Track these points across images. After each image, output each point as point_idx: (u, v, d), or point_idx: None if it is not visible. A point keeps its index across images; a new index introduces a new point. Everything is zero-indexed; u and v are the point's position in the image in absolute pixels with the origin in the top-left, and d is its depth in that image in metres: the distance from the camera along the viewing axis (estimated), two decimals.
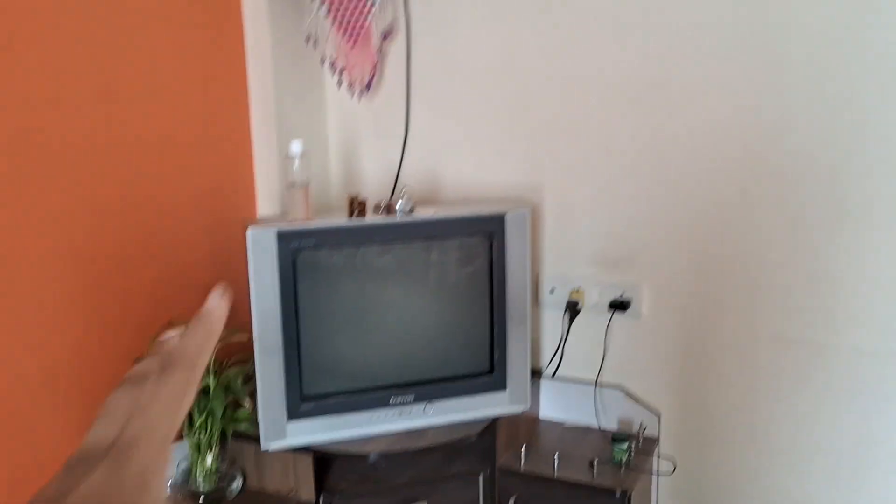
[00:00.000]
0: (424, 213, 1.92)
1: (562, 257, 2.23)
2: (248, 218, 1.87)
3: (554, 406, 2.28)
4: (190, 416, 1.84)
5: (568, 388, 2.25)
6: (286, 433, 1.85)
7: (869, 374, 1.93)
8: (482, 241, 1.94)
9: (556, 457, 2.02)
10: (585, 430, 2.21)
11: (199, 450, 1.86)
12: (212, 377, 1.84)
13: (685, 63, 1.98)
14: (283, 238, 1.78)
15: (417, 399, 1.94)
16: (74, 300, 1.73)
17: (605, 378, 2.21)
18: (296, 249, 1.79)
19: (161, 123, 1.92)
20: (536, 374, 2.27)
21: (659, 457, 2.16)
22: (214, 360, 1.85)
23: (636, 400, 2.18)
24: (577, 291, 2.21)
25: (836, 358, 1.96)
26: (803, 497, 2.06)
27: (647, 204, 2.09)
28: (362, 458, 1.88)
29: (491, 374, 1.99)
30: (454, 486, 2.02)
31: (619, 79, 2.05)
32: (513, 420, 2.08)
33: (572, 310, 2.21)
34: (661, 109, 2.03)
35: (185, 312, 1.95)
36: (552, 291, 2.24)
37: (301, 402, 1.85)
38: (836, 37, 1.83)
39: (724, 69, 1.94)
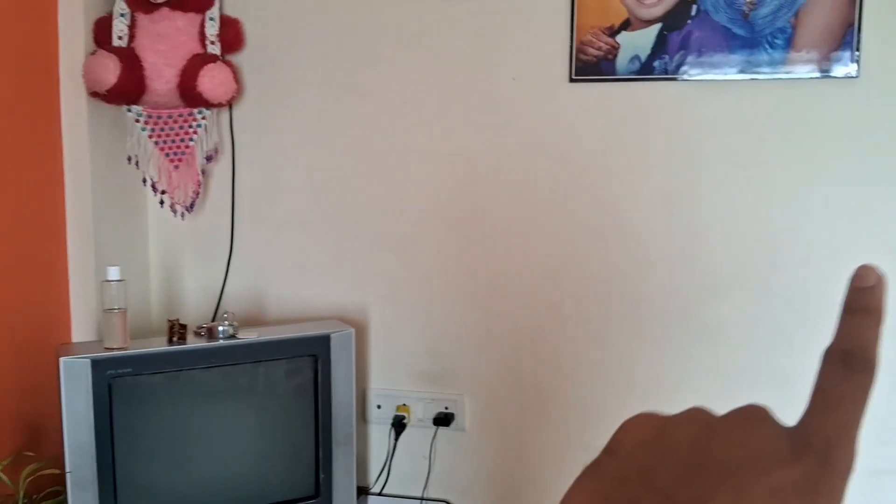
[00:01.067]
0: (247, 336, 1.93)
1: (388, 373, 2.29)
2: (63, 344, 1.81)
3: None
4: None
5: (394, 503, 2.28)
6: None
7: None
8: (307, 362, 1.97)
9: None
10: None
11: None
12: None
13: (494, 190, 2.15)
14: (98, 366, 1.73)
15: None
16: None
17: (431, 493, 2.26)
18: (112, 377, 1.75)
19: None
20: (364, 491, 2.28)
21: None
22: (24, 496, 1.74)
23: None
24: (403, 406, 2.27)
25: None
26: None
27: (467, 320, 2.21)
28: None
29: (317, 498, 1.99)
30: None
31: (438, 202, 2.19)
32: None
33: (398, 425, 2.26)
34: (478, 232, 2.18)
35: None
36: (379, 407, 2.29)
37: None
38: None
39: (524, 202, 2.13)
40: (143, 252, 2.34)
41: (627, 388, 2.12)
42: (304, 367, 1.97)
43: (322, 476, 1.99)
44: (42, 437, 2.02)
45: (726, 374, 2.06)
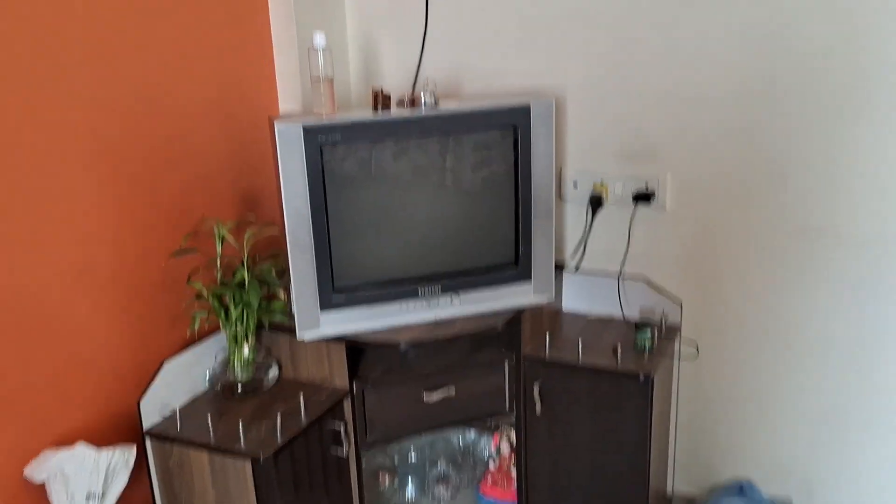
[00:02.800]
0: (449, 106, 1.92)
1: (585, 151, 2.23)
2: (272, 115, 1.87)
3: (577, 299, 2.32)
4: (226, 309, 1.89)
5: (590, 280, 2.29)
6: (319, 323, 1.91)
7: (887, 266, 1.96)
8: (507, 133, 1.94)
9: (579, 344, 2.08)
10: (608, 321, 2.27)
11: (236, 341, 1.92)
12: (246, 271, 1.89)
13: None
14: (310, 133, 1.79)
15: (445, 290, 1.98)
16: (106, 200, 1.76)
17: (627, 270, 2.24)
18: (323, 144, 1.80)
19: (180, 23, 1.90)
20: (560, 267, 2.30)
21: (681, 343, 2.22)
22: (248, 255, 1.89)
23: (658, 290, 2.22)
24: (601, 185, 2.23)
25: (854, 250, 1.98)
26: (812, 385, 2.13)
27: (673, 95, 2.08)
28: (393, 347, 1.94)
29: (516, 266, 2.03)
30: (481, 374, 2.09)
31: None
32: (537, 312, 2.13)
33: (595, 203, 2.23)
34: (685, 3, 1.99)
35: (213, 210, 1.98)
36: (575, 186, 2.25)
37: (333, 294, 1.90)
38: None
39: None
40: (340, 25, 2.34)
41: (840, 173, 1.94)
42: (505, 138, 1.94)
43: (521, 246, 2.01)
44: (259, 205, 2.16)
45: None
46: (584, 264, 2.30)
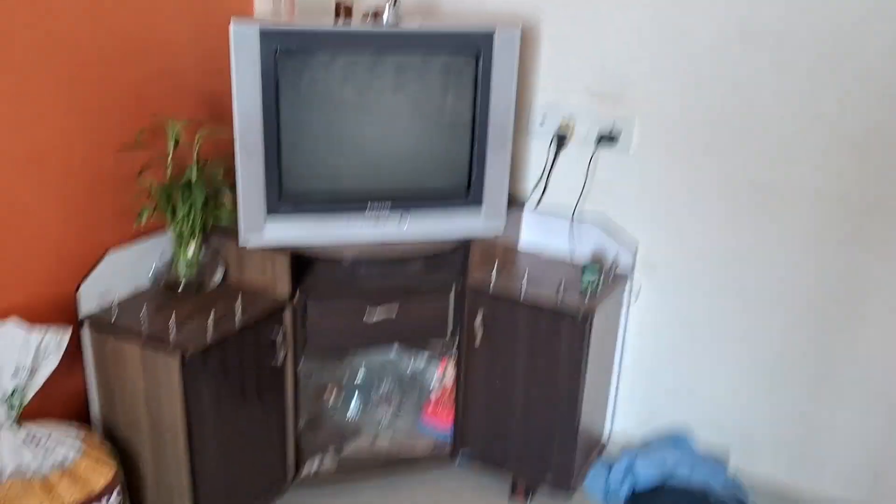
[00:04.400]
0: (411, 25, 1.89)
1: (556, 85, 2.20)
2: (233, 17, 1.86)
3: (534, 236, 2.32)
4: (173, 207, 1.91)
5: (548, 219, 2.29)
6: (264, 230, 1.92)
7: (837, 222, 1.95)
8: (468, 58, 1.92)
9: (524, 279, 2.08)
10: (562, 261, 2.27)
11: (181, 239, 1.94)
12: (195, 169, 1.90)
13: None
14: (267, 37, 1.78)
15: (394, 208, 1.99)
16: (59, 87, 1.76)
17: (587, 210, 2.23)
18: (279, 50, 1.79)
19: None
20: (519, 204, 2.30)
21: (632, 284, 2.22)
22: (198, 155, 1.90)
23: (614, 232, 2.21)
24: (568, 122, 2.21)
25: (809, 204, 1.97)
26: (762, 338, 2.13)
27: (648, 36, 2.05)
28: (338, 261, 1.95)
29: (468, 194, 2.03)
30: (425, 298, 2.11)
31: None
32: (490, 244, 2.13)
33: (560, 140, 2.21)
34: None
35: (172, 110, 1.98)
36: (542, 122, 2.23)
37: (280, 202, 1.91)
38: None
39: None
40: None
41: (811, 124, 1.92)
42: (465, 64, 1.92)
43: (474, 174, 2.01)
44: (218, 109, 2.15)
45: None
46: (544, 203, 2.29)
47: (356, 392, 2.43)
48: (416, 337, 2.16)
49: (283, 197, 1.91)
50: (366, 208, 1.97)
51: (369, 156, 1.98)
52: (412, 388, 2.47)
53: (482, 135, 1.97)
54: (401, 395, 2.44)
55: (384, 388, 2.43)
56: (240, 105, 1.81)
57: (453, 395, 2.28)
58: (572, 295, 2.05)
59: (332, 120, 1.92)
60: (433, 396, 2.39)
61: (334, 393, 2.41)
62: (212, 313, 1.83)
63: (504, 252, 2.24)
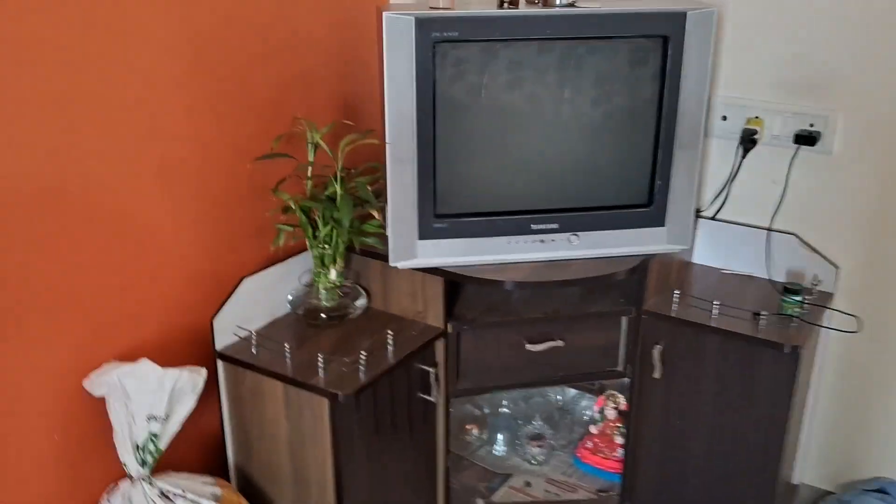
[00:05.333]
0: (588, 6, 1.61)
1: (739, 78, 1.89)
2: (380, 5, 1.62)
3: (711, 251, 2.00)
4: (314, 225, 1.68)
5: (730, 231, 1.97)
6: (417, 252, 1.68)
7: None
8: (654, 44, 1.63)
9: (714, 303, 1.77)
10: (746, 279, 1.95)
11: (322, 262, 1.72)
12: (338, 184, 1.66)
13: None
14: (423, 26, 1.53)
15: (563, 228, 1.71)
16: (191, 91, 1.56)
17: (778, 224, 1.91)
18: (437, 40, 1.54)
19: None
20: (695, 212, 1.99)
21: (834, 314, 1.88)
22: (342, 167, 1.67)
23: (811, 249, 1.88)
24: (756, 120, 1.89)
25: None
26: None
27: (857, 18, 1.71)
28: (497, 285, 1.69)
29: (649, 207, 1.73)
30: (593, 327, 1.83)
31: None
32: (664, 261, 1.84)
33: (747, 141, 1.89)
34: None
35: (309, 114, 1.76)
36: (724, 118, 1.92)
37: (435, 220, 1.66)
38: None
39: None
40: None
41: None
42: (651, 51, 1.63)
43: (658, 184, 1.71)
44: (360, 113, 1.93)
45: None
46: (724, 212, 1.98)
47: (500, 428, 2.16)
48: (583, 373, 1.88)
49: (438, 214, 1.66)
50: (530, 227, 1.70)
51: (537, 167, 1.71)
52: (563, 422, 2.19)
53: (668, 133, 1.67)
54: (552, 432, 2.16)
55: (533, 424, 2.16)
56: (391, 107, 1.57)
57: (619, 434, 1.99)
58: (772, 321, 1.73)
59: (497, 123, 1.66)
60: (592, 433, 2.11)
61: (475, 429, 2.15)
62: (362, 346, 1.60)
63: (679, 269, 1.94)
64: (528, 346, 1.78)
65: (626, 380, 1.88)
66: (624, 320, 1.82)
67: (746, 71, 1.88)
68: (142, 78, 1.46)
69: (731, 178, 1.93)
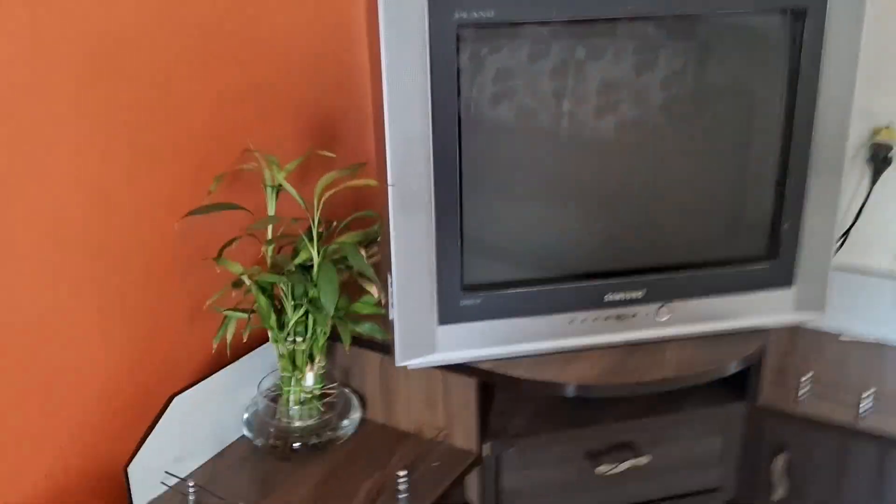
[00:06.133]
0: None
1: (869, 85, 1.37)
2: None
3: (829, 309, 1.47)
4: (279, 310, 1.12)
5: (852, 281, 1.44)
6: (436, 343, 1.11)
7: None
8: (782, 23, 1.09)
9: (863, 395, 1.23)
10: (879, 349, 1.42)
11: (293, 363, 1.15)
12: (315, 247, 1.10)
13: None
14: (441, 3, 0.98)
15: (650, 297, 1.16)
16: (92, 126, 0.99)
17: None
18: (462, 24, 0.99)
19: None
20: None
21: None
22: (320, 219, 1.11)
23: None
24: (887, 130, 1.37)
25: None
26: None
27: None
28: (555, 387, 1.13)
29: (771, 261, 1.19)
30: (687, 433, 1.28)
31: None
32: (783, 334, 1.30)
33: (878, 160, 1.38)
34: None
35: (266, 140, 1.20)
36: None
37: (462, 294, 1.10)
38: None
39: None
40: None
41: None
42: (779, 34, 1.10)
43: (785, 226, 1.17)
44: (344, 134, 1.37)
45: None
46: (842, 255, 1.45)
47: None
48: (676, 490, 1.32)
49: (467, 284, 1.10)
50: (603, 299, 1.15)
51: (609, 213, 1.16)
52: None
53: (801, 154, 1.14)
54: None
55: None
56: (393, 128, 1.01)
57: None
58: None
59: (553, 148, 1.11)
60: None
61: None
62: (359, 495, 1.03)
63: (788, 339, 1.40)
64: (600, 469, 1.22)
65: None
66: (732, 421, 1.28)
67: (873, 63, 1.36)
68: None
69: (860, 210, 1.41)
